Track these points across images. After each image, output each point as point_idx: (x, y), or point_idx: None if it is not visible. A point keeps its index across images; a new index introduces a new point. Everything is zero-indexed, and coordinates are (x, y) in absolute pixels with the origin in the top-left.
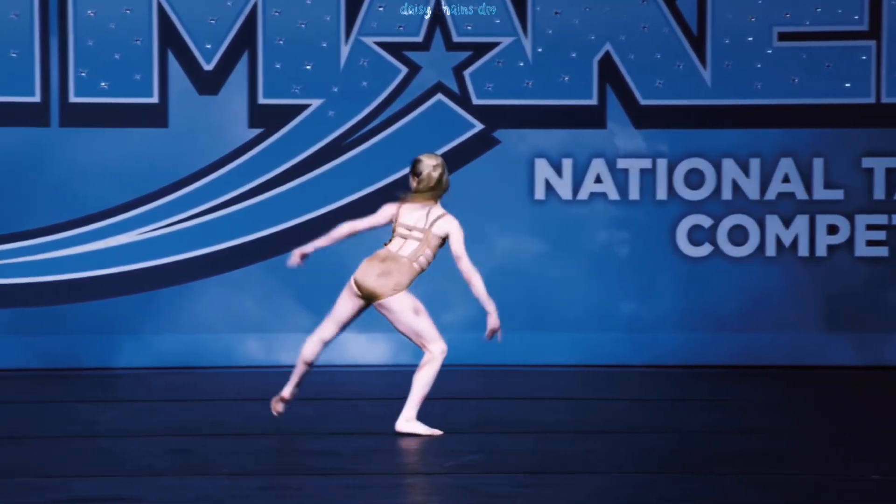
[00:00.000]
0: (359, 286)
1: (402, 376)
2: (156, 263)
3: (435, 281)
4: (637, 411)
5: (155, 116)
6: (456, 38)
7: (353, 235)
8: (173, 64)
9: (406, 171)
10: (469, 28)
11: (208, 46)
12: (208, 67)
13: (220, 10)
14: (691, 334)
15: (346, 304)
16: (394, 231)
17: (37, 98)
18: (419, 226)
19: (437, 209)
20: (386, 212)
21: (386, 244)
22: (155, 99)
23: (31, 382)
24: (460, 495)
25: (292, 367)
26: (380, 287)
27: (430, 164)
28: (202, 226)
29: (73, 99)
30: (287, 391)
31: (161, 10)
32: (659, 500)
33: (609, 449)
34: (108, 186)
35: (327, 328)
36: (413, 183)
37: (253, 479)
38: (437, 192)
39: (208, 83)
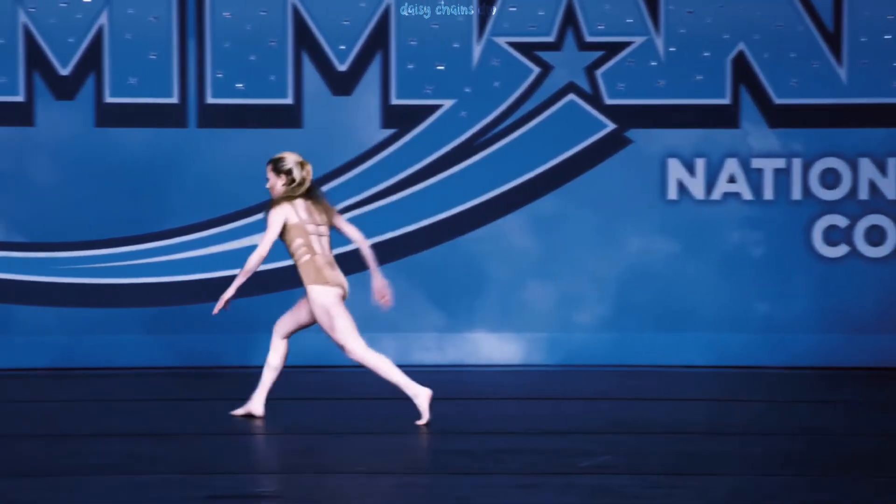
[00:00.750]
0: (342, 288)
1: (532, 376)
2: (291, 263)
3: (569, 281)
4: (771, 413)
5: (290, 117)
6: (588, 38)
7: (263, 260)
8: (307, 65)
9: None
10: (601, 28)
11: (342, 47)
12: (342, 68)
13: (354, 12)
14: (827, 336)
15: (345, 311)
16: (303, 234)
17: (175, 99)
18: (321, 221)
19: (312, 202)
20: (279, 222)
21: (306, 251)
22: (290, 100)
23: (172, 380)
24: (593, 495)
25: (426, 366)
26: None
27: (296, 162)
28: None
29: (209, 100)
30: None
31: (296, 11)
32: (795, 503)
33: (743, 450)
34: (244, 186)
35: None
36: (281, 182)
37: (388, 478)
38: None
39: (342, 84)
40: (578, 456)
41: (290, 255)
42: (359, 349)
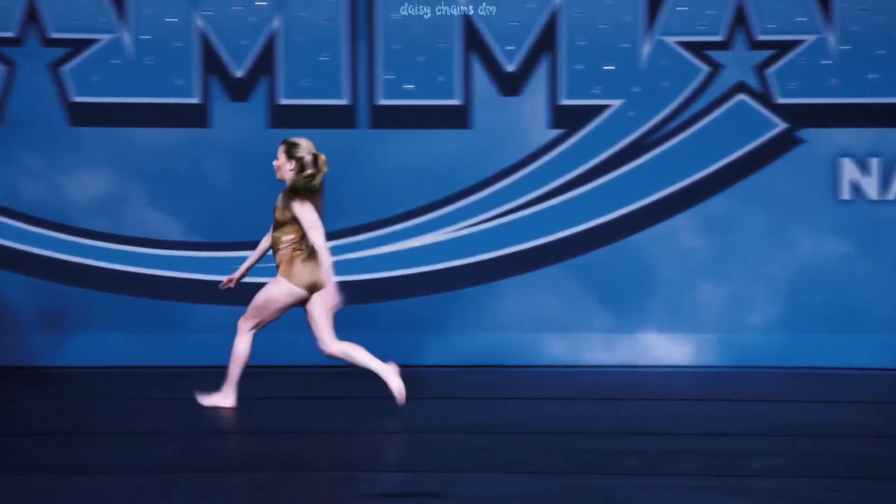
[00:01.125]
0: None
1: (703, 377)
2: (460, 263)
3: (739, 282)
4: None
5: (458, 118)
6: (758, 37)
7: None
8: (476, 66)
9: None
10: (772, 26)
11: (510, 48)
12: (510, 69)
13: (522, 13)
14: None
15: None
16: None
17: (346, 101)
18: None
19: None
20: (314, 214)
21: (302, 250)
22: (459, 101)
23: (342, 379)
24: (767, 498)
25: (595, 366)
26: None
27: (311, 153)
28: (505, 226)
29: (380, 101)
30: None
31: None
32: None
33: None
34: (414, 187)
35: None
36: (289, 167)
37: (561, 478)
38: None
39: (510, 85)
40: (751, 458)
41: (279, 241)
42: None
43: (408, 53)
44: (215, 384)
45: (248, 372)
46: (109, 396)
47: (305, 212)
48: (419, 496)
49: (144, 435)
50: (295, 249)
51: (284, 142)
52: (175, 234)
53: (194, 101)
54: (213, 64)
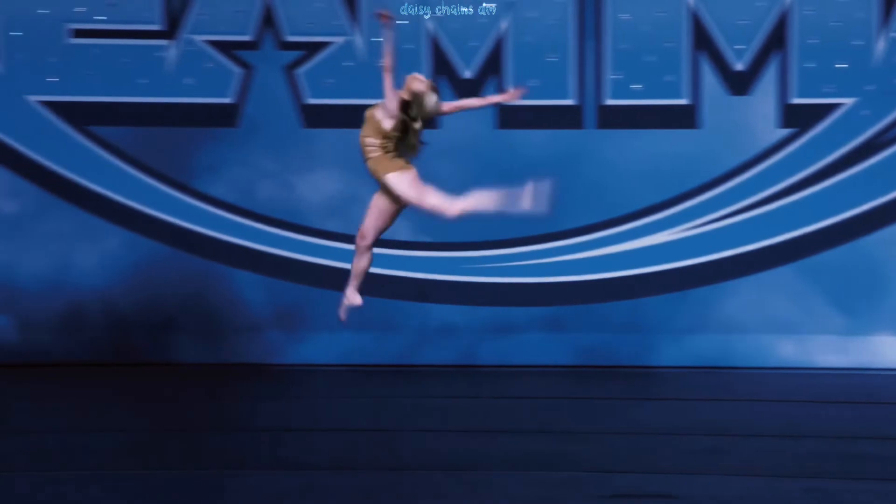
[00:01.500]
0: None
1: None
2: (688, 263)
3: None
4: None
5: (686, 117)
6: None
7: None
8: (705, 65)
9: None
10: None
11: (739, 47)
12: (739, 68)
13: (752, 11)
14: None
15: None
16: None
17: (573, 101)
18: None
19: None
20: None
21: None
22: (687, 100)
23: (570, 379)
24: None
25: (826, 368)
26: None
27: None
28: (734, 226)
29: (607, 101)
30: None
31: (693, 11)
32: None
33: None
34: (641, 187)
35: None
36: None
37: (792, 482)
38: None
39: (739, 83)
40: None
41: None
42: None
43: (636, 53)
44: (447, 382)
45: (488, 371)
46: (346, 395)
47: None
48: (650, 497)
49: (366, 432)
50: None
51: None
52: (405, 234)
53: None
54: (441, 66)
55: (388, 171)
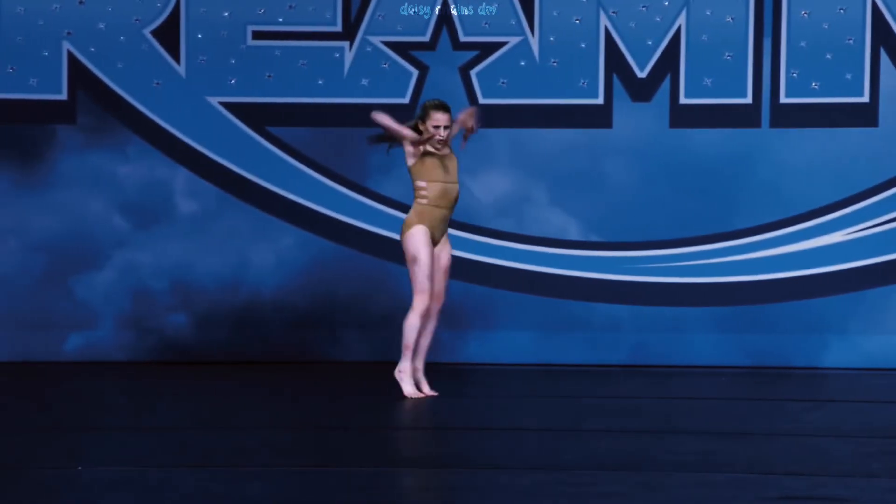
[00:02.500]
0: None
1: None
2: (864, 263)
3: None
4: None
5: (865, 116)
6: None
7: None
8: (885, 62)
9: None
10: None
11: None
12: None
13: None
14: None
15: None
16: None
17: (748, 99)
18: None
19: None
20: None
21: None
22: (866, 98)
23: (742, 379)
24: None
25: None
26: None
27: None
28: None
29: (784, 100)
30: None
31: (875, 8)
32: None
33: None
34: (816, 186)
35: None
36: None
37: None
38: None
39: None
40: None
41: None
42: None
43: (814, 50)
44: (615, 382)
45: (658, 371)
46: (519, 393)
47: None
48: (819, 500)
49: (536, 431)
50: None
51: (445, 107)
52: (575, 234)
53: (597, 101)
54: (617, 64)
55: (410, 226)
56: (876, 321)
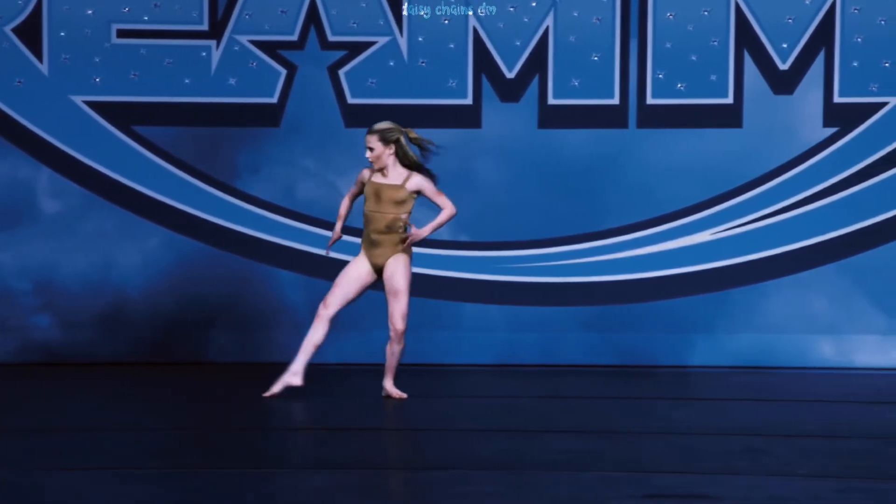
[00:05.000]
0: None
1: None
2: (729, 263)
3: None
4: None
5: (730, 116)
6: None
7: None
8: (749, 64)
9: None
10: None
11: (784, 45)
12: (783, 67)
13: (798, 9)
14: None
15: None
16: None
17: (615, 100)
18: None
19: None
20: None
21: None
22: (729, 99)
23: (609, 378)
24: None
25: (866, 368)
26: None
27: (401, 132)
28: (775, 225)
29: (650, 101)
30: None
31: (738, 10)
32: None
33: None
34: (682, 186)
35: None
36: (389, 151)
37: (831, 482)
38: None
39: (783, 82)
40: None
41: (393, 223)
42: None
43: (680, 51)
44: (484, 381)
45: (526, 371)
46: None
47: (430, 184)
48: (686, 497)
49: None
50: (405, 224)
51: (371, 131)
52: (445, 234)
53: (466, 101)
54: (485, 64)
55: (407, 252)
56: (741, 320)
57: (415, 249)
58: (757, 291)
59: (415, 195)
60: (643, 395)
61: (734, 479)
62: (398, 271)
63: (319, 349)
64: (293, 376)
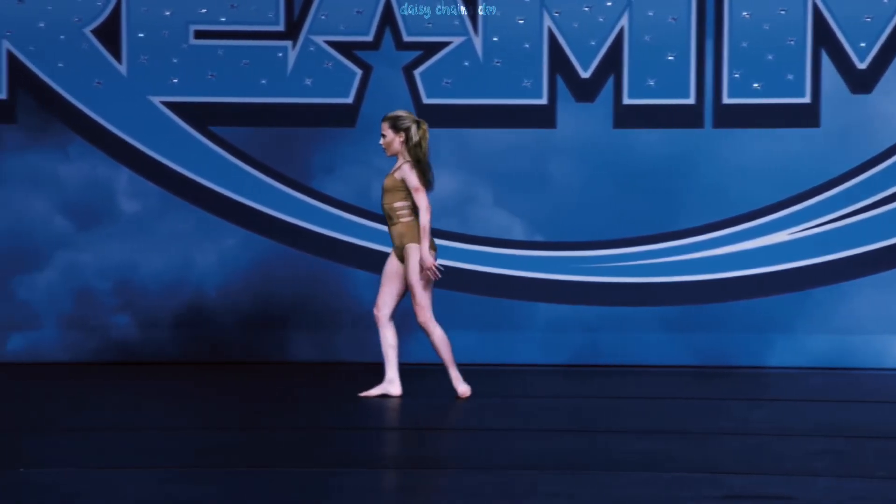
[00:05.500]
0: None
1: None
2: (807, 263)
3: None
4: None
5: (807, 116)
6: None
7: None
8: (826, 63)
9: None
10: None
11: (862, 45)
12: (862, 66)
13: (876, 8)
14: None
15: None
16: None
17: (691, 100)
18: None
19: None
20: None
21: (409, 213)
22: (807, 99)
23: (686, 379)
24: None
25: None
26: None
27: (414, 121)
28: (854, 225)
29: (726, 100)
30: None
31: (816, 9)
32: None
33: None
34: (759, 186)
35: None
36: (400, 139)
37: None
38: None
39: (861, 82)
40: None
41: (390, 211)
42: (428, 311)
43: (756, 51)
44: (559, 381)
45: (601, 371)
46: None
47: (414, 178)
48: (763, 498)
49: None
50: (411, 215)
51: (386, 118)
52: (519, 234)
53: (541, 101)
54: (560, 64)
55: (414, 241)
56: (820, 320)
57: (487, 249)
58: (836, 291)
59: (403, 184)
60: (721, 396)
61: (811, 480)
62: (406, 266)
63: (400, 350)
64: (389, 384)
